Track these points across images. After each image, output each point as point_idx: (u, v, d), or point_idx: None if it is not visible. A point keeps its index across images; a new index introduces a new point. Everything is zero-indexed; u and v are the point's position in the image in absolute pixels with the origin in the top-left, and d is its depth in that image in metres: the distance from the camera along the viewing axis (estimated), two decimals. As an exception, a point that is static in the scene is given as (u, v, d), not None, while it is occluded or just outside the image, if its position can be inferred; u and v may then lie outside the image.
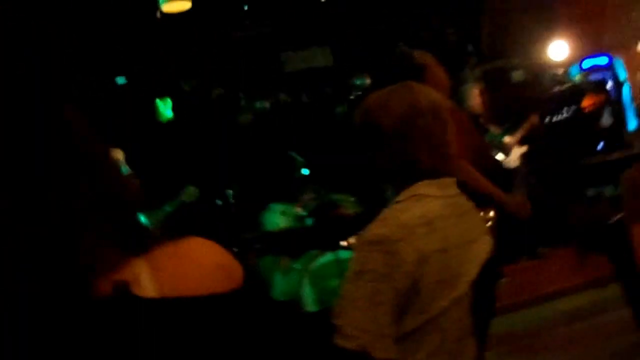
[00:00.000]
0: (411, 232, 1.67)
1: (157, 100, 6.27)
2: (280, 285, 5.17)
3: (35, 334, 0.79)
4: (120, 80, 6.11)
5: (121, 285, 0.81)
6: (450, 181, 1.85)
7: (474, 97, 6.24)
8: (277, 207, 5.66)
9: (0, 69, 0.84)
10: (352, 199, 5.79)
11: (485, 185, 3.23)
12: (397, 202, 1.78)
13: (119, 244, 0.86)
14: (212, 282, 0.89)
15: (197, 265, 0.90)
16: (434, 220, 1.72)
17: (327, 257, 5.03)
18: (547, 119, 6.83)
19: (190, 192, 4.98)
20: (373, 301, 1.63)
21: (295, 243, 5.39)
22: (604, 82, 7.43)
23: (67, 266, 0.81)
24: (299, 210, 5.67)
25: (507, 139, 6.20)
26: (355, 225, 5.54)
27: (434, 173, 1.80)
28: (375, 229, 1.69)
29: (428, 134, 1.80)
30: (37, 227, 0.81)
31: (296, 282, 5.02)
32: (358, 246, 1.71)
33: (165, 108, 6.31)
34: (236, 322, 0.89)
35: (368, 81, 7.10)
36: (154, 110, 6.26)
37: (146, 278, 0.84)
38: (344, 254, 4.96)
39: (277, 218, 5.60)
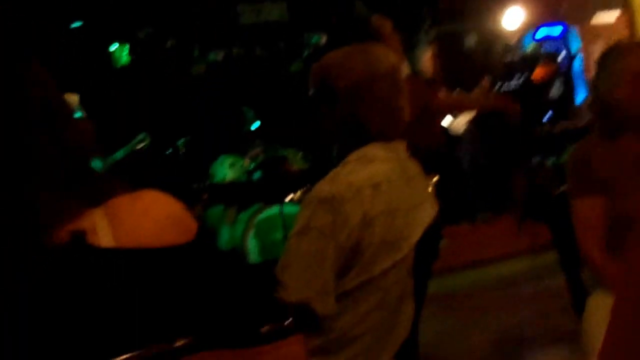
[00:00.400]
0: (358, 193, 1.69)
1: (115, 46, 6.12)
2: (225, 236, 5.19)
3: None
4: (76, 23, 5.94)
5: (78, 234, 0.82)
6: (399, 145, 1.87)
7: (427, 60, 6.27)
8: (226, 159, 5.64)
9: None
10: (299, 155, 5.80)
11: (469, 101, 3.35)
12: (346, 163, 1.80)
13: (76, 194, 0.86)
14: (167, 234, 0.90)
15: (153, 217, 0.90)
16: (381, 183, 1.74)
17: (272, 210, 5.06)
18: (497, 87, 6.92)
19: (141, 140, 4.91)
20: (316, 258, 1.66)
21: (242, 195, 5.40)
22: (556, 53, 7.54)
23: (25, 215, 0.81)
24: (247, 164, 5.67)
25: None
26: (300, 181, 5.59)
27: (384, 136, 1.82)
28: (323, 188, 1.71)
29: (382, 97, 1.81)
30: None
31: (241, 234, 5.04)
32: (305, 203, 1.73)
33: (122, 54, 6.17)
34: (187, 273, 0.90)
35: (323, 39, 7.04)
36: (109, 55, 6.12)
37: (103, 228, 0.85)
38: (288, 208, 4.99)
39: (226, 170, 5.58)
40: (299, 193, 5.52)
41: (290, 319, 0.86)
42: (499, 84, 6.95)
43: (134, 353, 0.77)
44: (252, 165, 5.62)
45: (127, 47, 6.23)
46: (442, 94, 3.33)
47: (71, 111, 0.93)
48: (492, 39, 7.47)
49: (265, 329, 0.83)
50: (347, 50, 1.88)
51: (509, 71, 7.03)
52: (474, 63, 7.13)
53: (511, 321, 4.27)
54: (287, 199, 5.19)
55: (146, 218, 0.90)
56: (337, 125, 1.87)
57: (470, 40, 7.78)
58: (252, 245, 5.02)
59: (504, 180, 6.52)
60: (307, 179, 5.54)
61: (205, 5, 6.75)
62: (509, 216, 5.92)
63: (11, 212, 0.81)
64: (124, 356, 0.78)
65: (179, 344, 0.79)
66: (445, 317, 4.36)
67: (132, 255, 0.86)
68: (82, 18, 6.07)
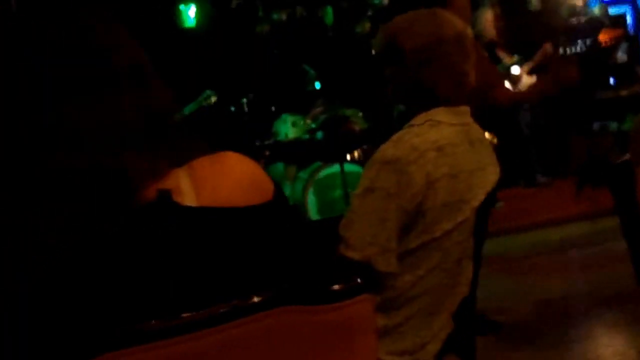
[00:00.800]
0: (422, 156, 1.69)
1: (181, 6, 6.18)
2: (286, 193, 5.25)
3: (89, 234, 0.82)
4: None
5: (165, 193, 0.85)
6: (465, 110, 1.86)
7: (489, 22, 6.12)
8: (288, 118, 5.68)
9: None
10: (360, 114, 5.79)
11: (531, 94, 3.38)
12: (412, 125, 1.80)
13: (161, 154, 0.89)
14: (247, 195, 0.92)
15: (233, 178, 0.93)
16: (446, 146, 1.74)
17: (332, 168, 5.09)
18: (560, 50, 6.71)
19: (208, 96, 4.97)
20: (380, 217, 1.67)
21: (303, 153, 5.44)
22: (623, 17, 7.26)
23: (114, 174, 0.84)
24: (309, 122, 5.70)
25: (516, 69, 6.11)
26: (361, 140, 5.58)
27: (450, 100, 1.81)
28: (389, 150, 1.71)
29: (449, 62, 1.80)
30: (88, 139, 0.84)
31: (301, 191, 5.10)
32: (369, 165, 1.74)
33: (188, 14, 6.23)
34: (266, 232, 0.93)
35: (385, 1, 6.94)
36: (175, 15, 6.19)
37: (187, 188, 0.88)
38: (348, 167, 5.02)
39: (288, 128, 5.63)
40: (359, 152, 5.53)
41: (360, 278, 0.88)
42: (562, 48, 6.74)
43: (213, 307, 0.80)
44: (314, 125, 5.64)
45: (194, 6, 6.27)
46: (504, 89, 3.34)
47: (155, 73, 0.96)
48: (557, 0, 7.22)
49: (336, 287, 0.85)
50: (414, 14, 1.87)
51: (574, 34, 6.80)
52: (537, 25, 6.91)
53: (569, 285, 4.21)
54: (348, 158, 5.21)
55: (227, 179, 0.93)
56: (402, 88, 1.87)
57: (534, 3, 7.53)
58: (311, 203, 5.07)
59: (564, 144, 6.38)
60: (367, 139, 5.55)
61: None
62: (569, 180, 5.80)
63: (101, 170, 0.85)
64: (204, 310, 0.81)
65: (255, 299, 0.82)
66: (501, 278, 4.33)
67: (215, 213, 0.89)
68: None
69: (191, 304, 0.80)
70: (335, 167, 5.03)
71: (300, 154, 5.45)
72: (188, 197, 0.88)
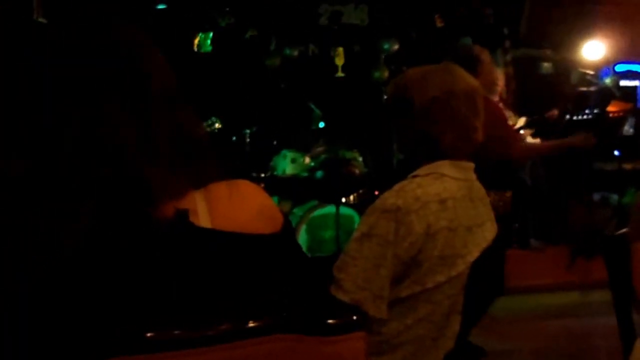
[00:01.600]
0: (424, 207, 1.75)
1: (200, 33, 6.32)
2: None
3: (106, 242, 0.88)
4: (161, 5, 6.15)
5: (182, 212, 0.91)
6: (469, 165, 1.93)
7: (500, 79, 6.24)
8: (288, 154, 5.76)
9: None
10: (360, 158, 5.87)
11: (547, 147, 3.56)
12: (415, 176, 1.86)
13: (182, 175, 0.95)
14: (258, 223, 0.98)
15: (247, 206, 1.00)
16: (448, 199, 1.80)
17: (327, 209, 5.16)
18: (567, 116, 6.83)
19: (212, 122, 5.06)
20: (375, 263, 1.73)
21: (300, 190, 5.51)
22: (634, 90, 7.40)
23: (139, 189, 0.91)
24: (308, 161, 5.78)
25: (521, 130, 6.21)
26: (359, 184, 5.65)
27: (455, 154, 1.88)
28: (390, 198, 1.77)
29: (458, 116, 1.87)
30: (119, 151, 0.91)
31: (294, 227, 5.16)
32: (370, 210, 1.80)
33: (206, 41, 6.36)
34: (272, 261, 0.99)
35: (396, 47, 7.08)
36: (191, 40, 6.30)
37: (203, 210, 0.94)
38: (343, 210, 5.08)
39: (287, 164, 5.71)
40: (355, 196, 5.60)
41: (356, 316, 0.93)
42: (569, 115, 6.86)
43: (215, 326, 0.85)
44: (313, 163, 5.72)
45: (211, 34, 6.40)
46: (520, 144, 3.60)
47: (183, 98, 1.03)
48: (569, 67, 7.38)
49: (333, 320, 0.90)
50: (427, 67, 1.95)
51: (583, 102, 6.93)
52: (548, 90, 7.05)
53: (551, 353, 4.23)
54: (343, 200, 5.28)
55: (241, 206, 0.99)
56: (409, 139, 1.94)
57: (547, 67, 7.69)
58: (302, 240, 5.12)
59: (562, 211, 6.44)
60: (365, 184, 5.62)
61: (287, 2, 6.88)
62: (563, 247, 5.85)
63: (128, 185, 0.91)
64: (203, 331, 0.86)
65: (257, 324, 0.87)
66: (486, 339, 4.34)
67: (227, 237, 0.95)
68: (167, 2, 6.27)
69: (194, 320, 0.86)
70: (330, 208, 5.10)
71: (296, 190, 5.51)
72: (203, 218, 0.94)
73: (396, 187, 1.82)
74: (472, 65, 3.32)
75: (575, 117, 6.86)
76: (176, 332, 0.84)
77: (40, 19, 3.29)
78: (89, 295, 0.87)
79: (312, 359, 0.87)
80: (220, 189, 1.00)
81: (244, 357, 0.84)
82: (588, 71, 6.54)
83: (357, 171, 5.53)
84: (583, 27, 7.36)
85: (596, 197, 6.21)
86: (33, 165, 0.95)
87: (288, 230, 1.05)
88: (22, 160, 0.95)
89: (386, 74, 6.82)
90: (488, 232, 1.93)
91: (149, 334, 0.83)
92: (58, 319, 0.86)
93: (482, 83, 2.12)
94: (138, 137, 0.94)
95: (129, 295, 0.89)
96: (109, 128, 0.94)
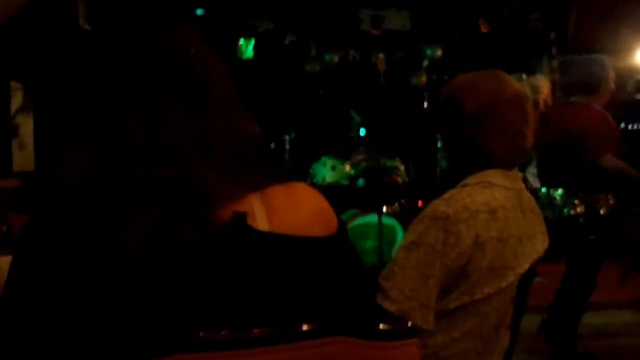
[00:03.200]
0: (473, 216, 1.77)
1: (241, 40, 6.41)
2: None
3: (165, 242, 0.93)
4: (199, 11, 6.25)
5: (240, 216, 0.95)
6: (518, 175, 1.94)
7: (546, 87, 6.19)
8: (328, 161, 5.80)
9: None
10: (402, 167, 5.88)
11: (629, 172, 3.63)
12: (465, 185, 1.88)
13: (239, 178, 0.99)
14: (314, 225, 1.02)
15: (304, 209, 1.03)
16: (497, 209, 1.81)
17: (368, 218, 5.16)
18: (622, 125, 6.74)
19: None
20: (423, 273, 1.75)
21: (340, 199, 5.53)
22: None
23: (197, 193, 0.95)
24: (348, 169, 5.81)
25: None
26: (401, 194, 5.65)
27: (504, 162, 1.89)
28: (440, 206, 1.79)
29: (507, 123, 1.88)
30: (177, 152, 0.95)
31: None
32: (419, 219, 1.82)
33: (248, 47, 6.45)
34: (328, 264, 1.02)
35: (439, 52, 7.07)
36: (231, 46, 6.40)
37: (261, 213, 0.98)
38: (385, 219, 5.08)
39: (327, 172, 5.74)
40: (396, 205, 5.60)
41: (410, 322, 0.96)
42: (623, 123, 6.77)
43: (274, 327, 0.88)
44: (353, 171, 5.75)
45: (253, 40, 6.49)
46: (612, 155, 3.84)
47: (240, 104, 1.07)
48: (623, 74, 7.27)
49: (387, 326, 0.93)
50: (476, 74, 1.97)
51: (638, 111, 6.83)
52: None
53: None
54: (385, 210, 5.29)
55: (298, 209, 1.03)
56: (457, 146, 1.96)
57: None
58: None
59: (616, 226, 6.34)
60: (407, 193, 5.62)
61: (327, 6, 6.93)
62: (614, 263, 5.76)
63: (186, 188, 0.95)
64: (257, 332, 0.89)
65: (306, 327, 0.90)
66: (534, 358, 4.30)
67: (284, 240, 0.98)
68: (206, 7, 6.37)
69: (250, 322, 0.89)
70: (372, 217, 5.10)
71: (336, 198, 5.54)
72: (261, 221, 0.98)
73: (446, 195, 1.84)
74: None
75: (630, 127, 6.77)
76: (230, 332, 0.87)
77: (86, 26, 3.39)
78: (148, 296, 0.91)
79: (368, 364, 0.90)
80: (277, 192, 1.04)
81: (302, 358, 0.87)
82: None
83: (399, 180, 5.54)
84: (637, 32, 7.25)
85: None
86: (91, 169, 0.99)
87: (343, 233, 1.08)
88: (80, 165, 1.00)
89: (424, 79, 6.81)
90: (539, 243, 1.94)
91: (202, 334, 0.86)
92: (118, 318, 0.91)
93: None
94: (195, 140, 0.98)
95: (186, 296, 0.92)
96: (167, 131, 0.98)
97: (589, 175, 4.10)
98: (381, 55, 7.03)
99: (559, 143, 4.24)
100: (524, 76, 5.82)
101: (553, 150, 4.35)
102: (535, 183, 5.75)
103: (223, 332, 0.86)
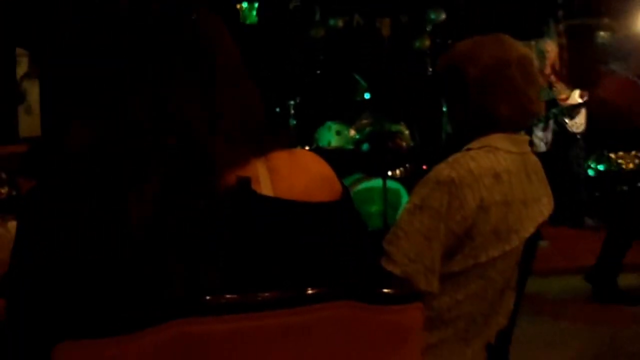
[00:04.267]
0: (477, 180, 1.76)
1: (246, 4, 6.38)
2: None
3: (172, 209, 0.93)
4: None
5: (245, 181, 0.95)
6: (524, 138, 1.93)
7: (552, 52, 6.14)
8: (333, 126, 5.80)
9: None
10: (407, 132, 5.87)
11: None
12: (469, 149, 1.87)
13: (244, 145, 0.99)
14: (319, 191, 1.02)
15: (308, 174, 1.03)
16: (502, 173, 1.81)
17: (373, 182, 5.18)
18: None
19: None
20: (427, 236, 1.75)
21: (345, 163, 5.54)
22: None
23: (204, 159, 0.95)
24: (354, 133, 5.81)
25: (574, 100, 6.08)
26: (406, 158, 5.65)
27: (510, 126, 1.88)
28: (444, 170, 1.79)
29: (511, 86, 1.87)
30: (185, 121, 0.95)
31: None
32: (423, 182, 1.81)
33: (251, 12, 6.42)
34: (332, 229, 1.03)
35: (443, 16, 7.01)
36: (235, 11, 6.37)
37: (265, 178, 0.98)
38: (390, 183, 5.09)
39: (332, 136, 5.75)
40: (401, 170, 5.61)
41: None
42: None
43: (279, 291, 0.89)
44: (358, 135, 5.75)
45: (256, 5, 6.45)
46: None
47: (246, 71, 1.07)
48: (628, 37, 7.21)
49: (391, 290, 0.93)
50: (478, 39, 1.95)
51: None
52: (604, 60, 6.91)
53: (608, 336, 4.18)
54: (389, 174, 5.30)
55: (302, 174, 1.03)
56: (464, 112, 1.94)
57: (603, 36, 7.52)
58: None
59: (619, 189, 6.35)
60: (412, 158, 5.62)
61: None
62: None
63: (192, 154, 0.96)
64: (263, 295, 0.90)
65: (312, 291, 0.91)
66: (538, 320, 4.33)
67: (288, 205, 0.99)
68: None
69: (255, 285, 0.90)
70: (376, 182, 5.11)
71: (341, 163, 5.55)
72: (265, 186, 0.99)
73: (450, 159, 1.83)
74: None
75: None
76: (235, 296, 0.88)
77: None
78: (155, 262, 0.92)
79: (373, 326, 0.91)
80: (281, 158, 1.04)
81: (304, 323, 0.88)
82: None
83: (404, 144, 5.55)
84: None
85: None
86: (98, 137, 0.99)
87: (347, 199, 1.09)
88: (87, 133, 1.00)
89: (428, 43, 6.77)
90: (544, 207, 1.93)
91: (210, 297, 0.87)
92: (127, 285, 0.91)
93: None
94: (202, 109, 0.99)
95: (194, 262, 0.93)
96: (175, 99, 0.98)
97: None
98: (386, 19, 6.97)
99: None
100: (532, 42, 5.78)
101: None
102: (541, 147, 5.75)
103: (230, 296, 0.86)
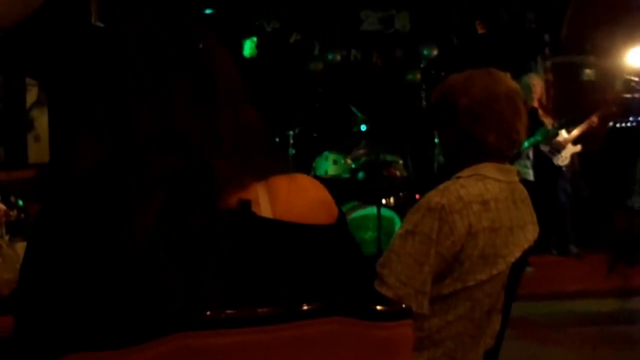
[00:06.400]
0: (467, 207, 1.78)
1: (246, 37, 6.45)
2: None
3: (175, 227, 0.94)
4: (208, 10, 6.27)
5: (245, 203, 0.96)
6: (511, 168, 1.95)
7: (539, 87, 6.20)
8: (330, 156, 5.82)
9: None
10: (401, 162, 5.90)
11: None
12: (459, 177, 1.89)
13: (245, 167, 1.01)
14: (316, 214, 1.03)
15: (306, 197, 1.05)
16: (490, 200, 1.83)
17: (368, 210, 5.19)
18: (611, 124, 6.76)
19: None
20: (418, 260, 1.76)
21: (341, 191, 5.55)
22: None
23: (204, 180, 0.96)
24: (350, 162, 5.83)
25: (561, 137, 6.15)
26: (400, 187, 5.67)
27: (498, 154, 1.91)
28: (435, 197, 1.81)
29: (500, 118, 1.90)
30: (188, 142, 0.97)
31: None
32: (415, 208, 1.83)
33: (252, 46, 6.48)
34: (327, 250, 1.04)
35: (435, 52, 7.09)
36: (237, 45, 6.43)
37: (264, 201, 0.99)
38: (384, 211, 5.10)
39: (328, 165, 5.77)
40: (395, 198, 5.62)
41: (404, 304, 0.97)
42: (613, 121, 6.78)
43: (276, 306, 0.90)
44: (354, 165, 5.77)
45: (255, 39, 6.52)
46: None
47: (247, 94, 1.09)
48: (613, 74, 7.28)
49: (382, 307, 0.94)
50: (469, 72, 1.99)
51: (626, 110, 6.84)
52: (590, 97, 6.97)
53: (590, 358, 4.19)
54: (383, 202, 5.31)
55: (301, 197, 1.05)
56: (453, 141, 1.97)
57: (589, 74, 7.59)
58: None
59: (603, 218, 6.37)
60: (406, 187, 5.64)
61: (330, 7, 6.96)
62: (601, 254, 5.79)
63: (194, 175, 0.97)
64: (258, 311, 0.91)
65: (306, 307, 0.91)
66: (520, 343, 4.32)
67: (287, 227, 1.00)
68: (215, 7, 6.40)
69: (252, 302, 0.91)
70: (371, 209, 5.12)
71: (337, 191, 5.56)
72: (264, 209, 1.00)
73: (441, 186, 1.85)
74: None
75: (619, 125, 6.78)
76: (234, 311, 0.88)
77: (98, 23, 3.41)
78: (157, 278, 0.93)
79: (365, 342, 0.91)
80: (281, 182, 1.05)
81: (298, 338, 0.88)
82: (633, 77, 6.43)
83: (398, 173, 5.56)
84: (627, 33, 7.23)
85: (637, 203, 6.13)
86: (102, 159, 1.01)
87: (343, 222, 1.10)
88: (91, 155, 1.01)
89: (419, 76, 6.85)
90: (530, 233, 1.95)
91: (209, 312, 0.87)
92: (129, 299, 0.92)
93: None
94: (204, 130, 1.00)
95: (194, 278, 0.94)
96: (178, 121, 0.99)
97: None
98: (381, 55, 7.05)
99: None
100: (521, 77, 5.85)
101: None
102: (528, 175, 5.78)
103: (229, 311, 0.87)
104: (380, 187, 5.31)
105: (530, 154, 5.93)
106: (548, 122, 6.12)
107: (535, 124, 5.87)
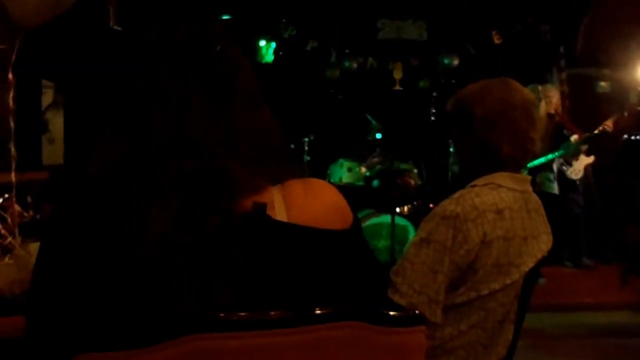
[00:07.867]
0: (481, 215, 1.77)
1: (263, 42, 6.46)
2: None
3: (191, 229, 0.93)
4: (225, 16, 6.30)
5: (260, 206, 0.95)
6: (525, 178, 1.93)
7: (555, 98, 6.16)
8: (345, 163, 5.81)
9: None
10: (415, 170, 5.88)
11: None
12: (473, 186, 1.88)
13: (261, 171, 1.00)
14: (331, 219, 1.02)
15: (321, 203, 1.04)
16: (504, 209, 1.81)
17: (382, 218, 5.16)
18: (624, 136, 6.71)
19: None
20: (432, 268, 1.75)
21: (355, 199, 5.53)
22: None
23: (220, 183, 0.96)
24: (364, 170, 5.82)
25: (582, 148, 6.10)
26: (414, 196, 5.65)
27: (513, 164, 1.89)
28: (450, 206, 1.79)
29: (515, 127, 1.88)
30: (205, 145, 0.96)
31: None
32: (430, 217, 1.82)
33: (268, 51, 6.49)
34: (342, 255, 1.03)
35: (456, 62, 7.07)
36: (255, 50, 6.45)
37: (280, 205, 0.98)
38: (398, 220, 5.08)
39: (343, 172, 5.76)
40: (409, 207, 5.60)
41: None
42: (626, 134, 6.74)
43: (290, 310, 0.89)
44: (368, 173, 5.76)
45: (273, 45, 6.53)
46: None
47: (264, 101, 1.08)
48: (627, 86, 7.23)
49: (396, 313, 0.93)
50: (485, 82, 1.98)
51: (640, 122, 6.79)
52: (605, 108, 6.93)
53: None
54: (398, 211, 5.29)
55: (316, 202, 1.04)
56: (469, 150, 1.96)
57: (603, 86, 7.55)
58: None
59: (616, 231, 6.32)
60: (420, 196, 5.62)
61: (348, 15, 6.97)
62: (614, 267, 5.74)
63: (210, 178, 0.96)
64: (272, 314, 0.90)
65: (319, 311, 0.90)
66: (536, 353, 4.28)
67: (301, 231, 0.99)
68: (232, 13, 6.42)
69: (266, 305, 0.90)
70: (385, 218, 5.10)
71: (351, 199, 5.54)
72: (280, 212, 0.99)
73: (455, 195, 1.84)
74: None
75: (633, 137, 6.73)
76: (247, 313, 0.88)
77: (116, 27, 3.43)
78: (172, 280, 0.92)
79: (377, 347, 0.90)
80: (296, 186, 1.05)
81: (310, 342, 0.88)
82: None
83: (412, 182, 5.54)
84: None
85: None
86: (117, 162, 1.00)
87: (357, 227, 1.09)
88: (106, 158, 1.01)
89: (428, 83, 6.85)
90: (544, 243, 1.93)
91: (222, 314, 0.87)
92: (144, 301, 0.91)
93: None
94: (220, 134, 0.99)
95: (208, 280, 0.93)
96: (195, 124, 0.99)
97: None
98: (398, 63, 7.04)
99: None
100: (539, 87, 5.81)
101: None
102: (552, 189, 5.75)
103: (242, 314, 0.86)
104: (394, 196, 5.28)
105: (554, 167, 5.91)
106: (573, 136, 6.07)
107: (560, 138, 5.85)
